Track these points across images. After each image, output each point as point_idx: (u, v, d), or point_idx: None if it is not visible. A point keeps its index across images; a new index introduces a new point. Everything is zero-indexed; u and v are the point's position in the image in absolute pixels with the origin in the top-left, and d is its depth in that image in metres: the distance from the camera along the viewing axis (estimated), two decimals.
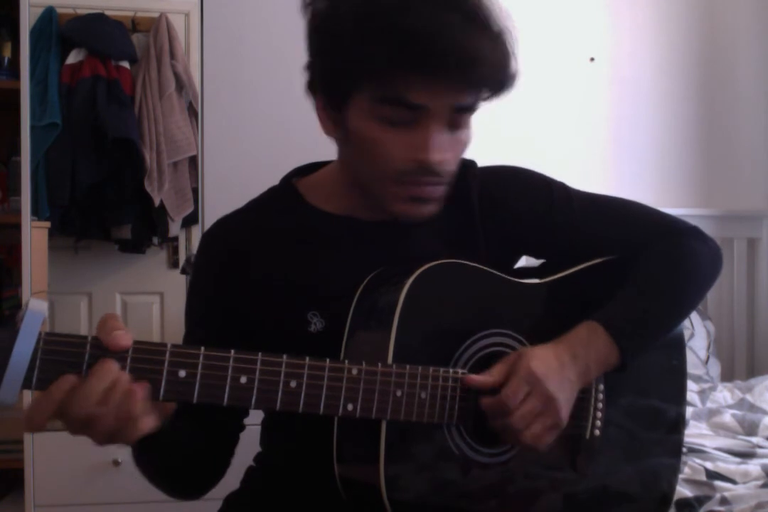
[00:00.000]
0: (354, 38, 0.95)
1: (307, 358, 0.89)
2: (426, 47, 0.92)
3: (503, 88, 1.01)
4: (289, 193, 1.14)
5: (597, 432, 1.10)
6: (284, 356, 0.87)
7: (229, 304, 1.08)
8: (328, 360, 0.90)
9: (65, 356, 0.78)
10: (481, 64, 0.94)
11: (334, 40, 0.97)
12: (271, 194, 1.16)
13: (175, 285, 2.70)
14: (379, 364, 0.93)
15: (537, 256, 1.22)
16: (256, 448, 1.20)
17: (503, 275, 1.08)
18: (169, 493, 1.09)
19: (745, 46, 3.13)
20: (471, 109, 1.00)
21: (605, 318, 1.06)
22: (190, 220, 2.74)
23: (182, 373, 0.83)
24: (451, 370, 0.99)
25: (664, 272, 1.14)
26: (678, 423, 1.23)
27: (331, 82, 1.00)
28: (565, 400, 1.00)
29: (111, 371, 0.79)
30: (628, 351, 1.05)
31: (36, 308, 0.75)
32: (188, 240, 2.78)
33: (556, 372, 1.00)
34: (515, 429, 0.97)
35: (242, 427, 1.13)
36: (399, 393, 0.94)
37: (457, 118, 0.99)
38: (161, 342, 0.83)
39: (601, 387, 1.11)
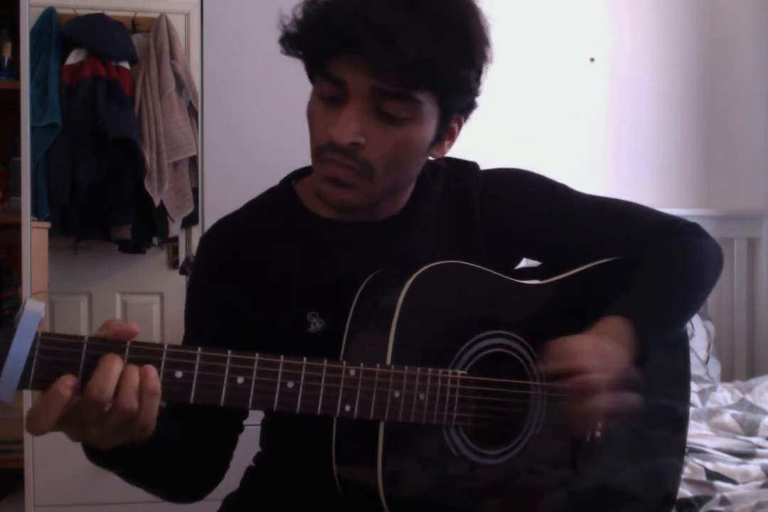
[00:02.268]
0: (296, 21, 1.00)
1: (305, 359, 0.89)
2: (341, 22, 0.94)
3: (441, 88, 0.98)
4: (287, 195, 1.14)
5: (598, 433, 1.10)
6: (281, 356, 0.87)
7: (229, 305, 1.08)
8: (325, 360, 0.90)
9: (62, 356, 0.78)
10: (397, 47, 0.92)
11: (289, 26, 1.01)
12: (270, 195, 1.16)
13: (175, 286, 2.70)
14: (378, 365, 0.93)
15: (538, 258, 1.22)
16: (256, 448, 1.20)
17: (503, 276, 1.08)
18: (167, 498, 1.09)
19: (745, 46, 3.13)
20: (396, 96, 0.96)
21: (635, 317, 1.06)
22: (190, 220, 2.74)
23: (179, 374, 0.83)
24: (450, 371, 0.99)
25: (675, 268, 1.14)
26: (681, 423, 1.23)
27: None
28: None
29: (116, 363, 0.80)
30: (646, 351, 1.06)
31: (33, 308, 0.76)
32: (188, 240, 2.78)
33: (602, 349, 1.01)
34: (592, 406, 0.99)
35: (241, 429, 1.13)
36: (397, 394, 0.94)
37: (384, 105, 0.97)
38: (158, 343, 0.83)
39: None
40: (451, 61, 0.97)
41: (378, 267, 1.05)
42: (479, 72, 1.02)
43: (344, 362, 0.92)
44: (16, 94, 2.31)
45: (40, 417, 0.78)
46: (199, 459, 1.08)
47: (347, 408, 0.91)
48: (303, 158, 1.18)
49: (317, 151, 1.01)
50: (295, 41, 1.00)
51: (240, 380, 0.85)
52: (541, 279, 1.14)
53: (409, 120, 0.99)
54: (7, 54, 2.79)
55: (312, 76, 1.03)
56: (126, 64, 2.69)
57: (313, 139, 1.03)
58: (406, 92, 0.96)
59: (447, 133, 1.06)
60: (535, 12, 2.89)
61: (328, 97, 0.99)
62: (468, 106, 1.06)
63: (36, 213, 2.48)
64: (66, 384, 0.77)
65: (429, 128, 1.01)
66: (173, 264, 2.79)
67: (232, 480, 1.18)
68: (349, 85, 0.96)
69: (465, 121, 1.08)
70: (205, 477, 1.11)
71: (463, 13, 0.98)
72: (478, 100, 1.06)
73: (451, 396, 0.98)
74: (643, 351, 1.05)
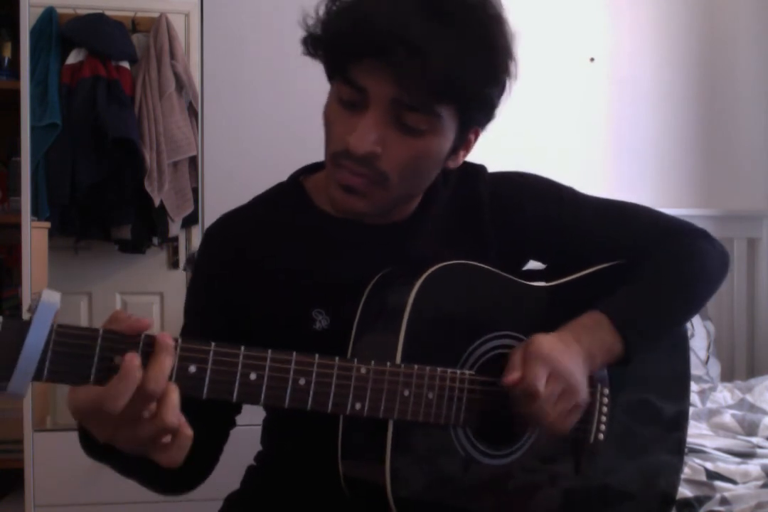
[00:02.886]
0: (321, 21, 0.99)
1: (317, 356, 0.89)
2: (370, 29, 0.93)
3: (464, 104, 0.98)
4: (295, 191, 1.14)
5: (601, 436, 1.10)
6: (293, 353, 0.87)
7: (232, 301, 1.08)
8: (337, 358, 0.90)
9: (77, 348, 0.77)
10: (426, 60, 0.91)
11: (312, 26, 1.00)
12: (278, 191, 1.16)
13: (175, 286, 2.70)
14: (388, 364, 0.93)
15: (545, 260, 1.22)
16: (257, 448, 1.20)
17: (513, 277, 1.09)
18: (158, 490, 1.07)
19: (745, 46, 3.13)
20: (417, 108, 0.96)
21: (610, 309, 1.07)
22: (190, 220, 2.73)
23: (192, 368, 0.82)
24: (458, 371, 0.99)
25: (671, 268, 1.14)
26: (681, 424, 1.23)
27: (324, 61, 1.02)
28: (581, 377, 1.01)
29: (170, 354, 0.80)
30: (632, 342, 1.06)
31: (49, 299, 0.74)
32: (188, 240, 2.78)
33: (565, 351, 1.01)
34: (541, 413, 0.98)
35: (233, 424, 1.13)
36: (407, 393, 0.94)
37: (404, 117, 0.96)
38: (172, 337, 0.83)
39: (606, 391, 1.11)
40: (477, 78, 0.96)
41: (386, 267, 1.05)
42: (503, 88, 1.01)
43: (355, 360, 0.92)
44: (16, 94, 2.31)
45: (113, 399, 0.77)
46: (192, 452, 1.07)
47: (357, 405, 0.91)
48: (303, 158, 1.18)
49: (332, 157, 1.00)
50: (318, 42, 0.99)
51: (253, 376, 0.85)
52: (548, 281, 1.14)
53: (428, 132, 0.98)
54: (7, 54, 2.79)
55: (331, 77, 1.02)
56: (126, 64, 2.69)
57: (328, 143, 1.02)
58: (428, 106, 0.96)
59: (463, 144, 1.06)
60: (535, 12, 2.89)
61: (347, 102, 0.98)
62: (486, 119, 1.05)
63: (36, 213, 2.47)
64: (134, 363, 0.77)
65: (447, 140, 1.01)
66: (173, 264, 2.79)
67: (233, 480, 1.18)
68: (370, 92, 0.95)
69: (482, 131, 1.08)
70: (194, 471, 1.09)
71: (492, 28, 0.98)
72: (497, 111, 1.05)
73: (459, 395, 0.98)
74: (629, 345, 1.05)
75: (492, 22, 0.98)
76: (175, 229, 2.75)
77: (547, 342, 1.00)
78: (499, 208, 1.14)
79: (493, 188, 1.15)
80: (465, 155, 1.09)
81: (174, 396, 0.80)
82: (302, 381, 0.88)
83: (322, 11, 0.99)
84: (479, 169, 1.17)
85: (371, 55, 0.93)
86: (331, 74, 1.02)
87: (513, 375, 0.98)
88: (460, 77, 0.94)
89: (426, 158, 1.01)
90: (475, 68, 0.95)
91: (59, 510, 2.30)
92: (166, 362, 0.79)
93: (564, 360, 0.99)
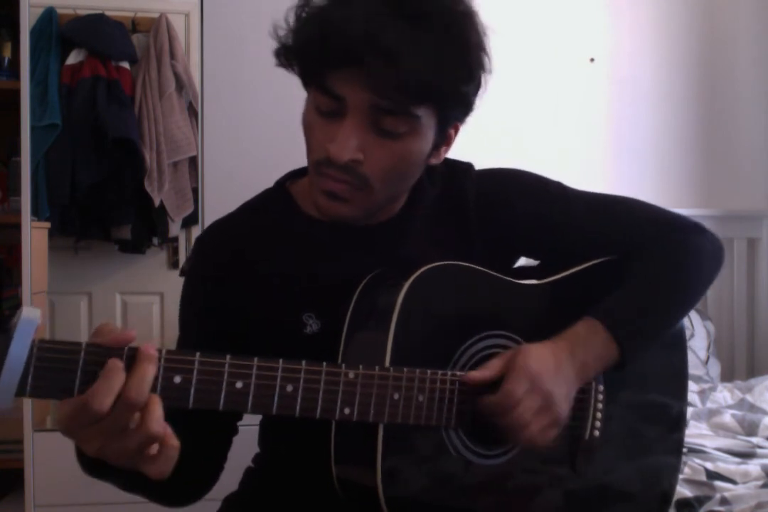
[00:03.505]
0: (292, 31, 0.98)
1: (304, 362, 0.88)
2: (343, 38, 0.92)
3: (441, 103, 0.98)
4: (281, 197, 1.14)
5: (596, 432, 1.10)
6: (280, 360, 0.87)
7: (225, 306, 1.08)
8: (324, 364, 0.90)
9: (60, 363, 0.77)
10: (400, 65, 0.91)
11: (284, 37, 1.00)
12: (265, 197, 1.16)
13: (175, 286, 2.67)
14: (377, 368, 0.93)
15: (536, 257, 1.22)
16: (255, 449, 1.20)
17: (502, 276, 1.08)
18: (164, 502, 1.08)
19: (745, 46, 3.13)
20: (394, 112, 0.95)
21: (604, 316, 1.06)
22: (190, 220, 2.74)
23: (177, 379, 0.82)
24: (449, 373, 0.98)
25: (664, 269, 1.13)
26: (678, 423, 1.23)
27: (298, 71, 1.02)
28: (563, 397, 1.00)
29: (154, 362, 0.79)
30: (628, 349, 1.05)
31: (29, 315, 0.75)
32: (188, 240, 2.78)
33: (553, 369, 0.99)
34: (515, 427, 0.97)
35: (235, 431, 1.13)
36: (396, 396, 0.93)
37: (382, 121, 0.96)
38: (156, 348, 0.82)
39: (601, 387, 1.11)
40: (453, 77, 0.96)
41: (374, 269, 1.05)
42: (479, 84, 1.01)
43: (343, 365, 0.91)
44: (16, 94, 2.31)
45: (97, 398, 0.76)
46: (193, 462, 1.06)
47: (346, 410, 0.90)
48: (303, 158, 1.18)
49: (315, 165, 1.01)
50: (291, 53, 0.99)
51: (239, 384, 0.84)
52: (539, 278, 1.13)
53: (407, 134, 0.98)
54: (7, 54, 2.79)
55: (307, 86, 1.02)
56: (126, 64, 2.69)
57: (310, 152, 1.02)
58: (405, 108, 0.96)
59: (444, 140, 1.06)
60: (535, 12, 2.89)
61: (325, 111, 0.98)
62: (464, 114, 1.05)
63: (36, 213, 2.48)
64: (117, 365, 0.77)
65: (427, 140, 1.01)
66: (173, 264, 2.79)
67: (231, 481, 1.18)
68: (348, 100, 0.95)
69: (462, 125, 1.08)
70: (200, 480, 1.10)
71: (463, 25, 0.97)
72: (476, 103, 1.04)
73: (449, 397, 0.98)
74: (624, 351, 1.05)
75: (462, 19, 0.98)
76: (175, 229, 2.75)
77: (534, 356, 0.99)
78: (487, 205, 1.14)
79: (479, 185, 1.15)
80: (447, 151, 1.09)
81: (157, 407, 0.79)
82: (290, 388, 0.87)
83: (291, 20, 0.98)
84: (466, 166, 1.17)
85: (345, 64, 0.93)
86: (306, 83, 1.01)
87: (478, 374, 0.97)
88: (435, 78, 0.94)
89: (407, 160, 1.01)
90: (450, 67, 0.95)
91: (59, 510, 2.31)
92: (148, 370, 0.79)
93: (547, 378, 0.98)
